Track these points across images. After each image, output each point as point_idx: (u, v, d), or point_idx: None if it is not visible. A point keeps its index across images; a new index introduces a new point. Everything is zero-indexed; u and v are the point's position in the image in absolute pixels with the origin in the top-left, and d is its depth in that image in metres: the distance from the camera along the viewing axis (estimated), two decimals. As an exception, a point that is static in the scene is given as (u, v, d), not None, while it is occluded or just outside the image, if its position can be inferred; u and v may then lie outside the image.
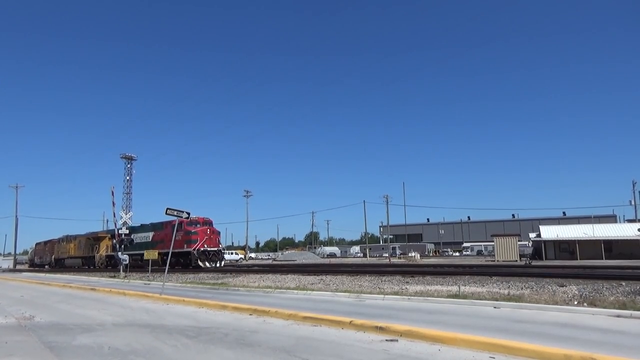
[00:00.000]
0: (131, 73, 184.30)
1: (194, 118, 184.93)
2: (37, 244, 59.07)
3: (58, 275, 33.02)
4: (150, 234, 35.49)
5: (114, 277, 26.42)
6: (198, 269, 29.25)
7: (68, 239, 48.52)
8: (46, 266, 54.27)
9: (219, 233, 33.69)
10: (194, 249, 30.55)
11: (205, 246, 31.05)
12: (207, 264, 30.54)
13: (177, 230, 31.09)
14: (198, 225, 32.30)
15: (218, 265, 31.27)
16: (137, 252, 34.40)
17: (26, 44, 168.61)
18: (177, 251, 31.23)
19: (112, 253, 37.14)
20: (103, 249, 40.62)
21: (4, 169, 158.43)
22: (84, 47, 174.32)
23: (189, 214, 16.04)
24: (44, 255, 55.03)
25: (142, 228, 37.39)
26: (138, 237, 36.71)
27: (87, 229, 50.59)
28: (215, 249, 32.01)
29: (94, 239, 42.85)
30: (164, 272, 27.69)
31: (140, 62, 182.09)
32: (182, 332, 7.75)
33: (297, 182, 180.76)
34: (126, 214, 35.21)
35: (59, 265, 49.25)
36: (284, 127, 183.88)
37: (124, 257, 29.64)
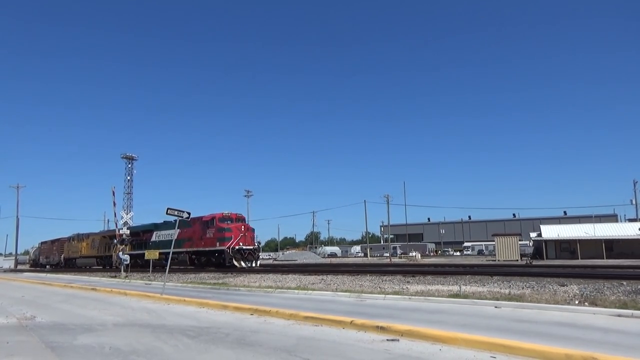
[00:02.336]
0: (131, 72, 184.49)
1: (193, 118, 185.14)
2: (42, 243, 57.57)
3: (59, 275, 33.06)
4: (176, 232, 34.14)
5: (115, 277, 26.47)
6: (229, 269, 27.19)
7: (79, 237, 46.48)
8: (47, 266, 53.95)
9: (253, 230, 31.36)
10: (228, 247, 28.31)
11: (241, 244, 28.86)
12: (243, 264, 28.43)
13: (208, 227, 30.02)
14: (231, 222, 30.23)
15: (254, 265, 29.26)
16: (160, 250, 32.51)
17: (25, 43, 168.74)
18: (209, 249, 29.76)
19: (133, 252, 35.41)
20: (121, 248, 39.04)
21: (4, 169, 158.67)
22: (83, 46, 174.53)
23: (189, 214, 16.06)
24: (51, 254, 53.25)
25: (167, 225, 34.97)
26: (162, 235, 34.81)
27: (88, 229, 49.40)
28: (251, 247, 29.80)
29: (111, 237, 40.55)
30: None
31: (141, 61, 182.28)
32: (183, 332, 7.76)
33: (297, 182, 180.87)
34: (127, 214, 34.86)
35: (69, 265, 47.20)
36: (284, 127, 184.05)
37: (125, 257, 29.66)
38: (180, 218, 15.89)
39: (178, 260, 32.13)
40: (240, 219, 31.21)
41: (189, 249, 31.11)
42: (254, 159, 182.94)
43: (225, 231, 29.18)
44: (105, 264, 41.34)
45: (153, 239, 35.76)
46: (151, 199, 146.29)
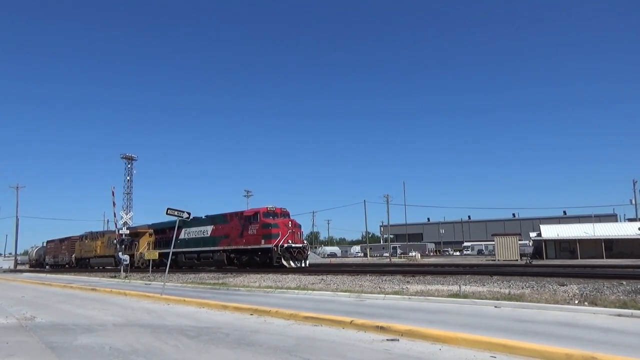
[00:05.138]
0: (131, 72, 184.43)
1: (193, 117, 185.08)
2: (48, 242, 55.48)
3: (59, 276, 33.06)
4: (209, 228, 30.73)
5: (115, 277, 26.47)
6: (276, 269, 24.48)
7: (93, 235, 44.10)
8: (47, 267, 53.77)
9: (300, 226, 28.27)
10: (275, 245, 25.37)
11: (289, 242, 25.97)
12: (292, 264, 25.67)
13: (250, 223, 27.31)
14: (276, 217, 27.23)
15: (303, 264, 26.42)
16: (191, 249, 31.27)
17: (25, 43, 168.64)
18: (252, 248, 27.01)
19: (153, 251, 32.14)
20: (143, 247, 36.11)
21: (4, 169, 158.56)
22: (83, 46, 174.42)
23: (189, 214, 16.06)
24: (60, 254, 50.62)
25: (196, 221, 31.89)
26: (192, 232, 32.18)
27: (87, 229, 48.51)
28: (300, 245, 26.86)
29: (130, 235, 37.34)
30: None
31: (141, 61, 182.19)
32: (183, 332, 7.75)
33: (297, 182, 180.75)
34: (127, 214, 34.56)
35: (82, 265, 44.79)
36: (284, 127, 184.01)
37: (125, 257, 29.60)
38: (180, 218, 15.88)
39: (213, 260, 29.94)
40: (285, 214, 28.11)
41: (226, 247, 28.57)
42: (254, 159, 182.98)
43: (271, 227, 26.14)
44: None
45: (181, 236, 32.94)
46: (151, 199, 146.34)
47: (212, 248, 29.70)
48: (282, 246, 25.48)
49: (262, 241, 26.22)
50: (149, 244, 35.96)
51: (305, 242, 28.42)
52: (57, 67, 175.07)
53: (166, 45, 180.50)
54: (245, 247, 27.48)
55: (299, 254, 26.43)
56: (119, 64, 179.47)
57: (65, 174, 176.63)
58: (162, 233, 35.30)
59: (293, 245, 26.13)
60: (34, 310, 11.72)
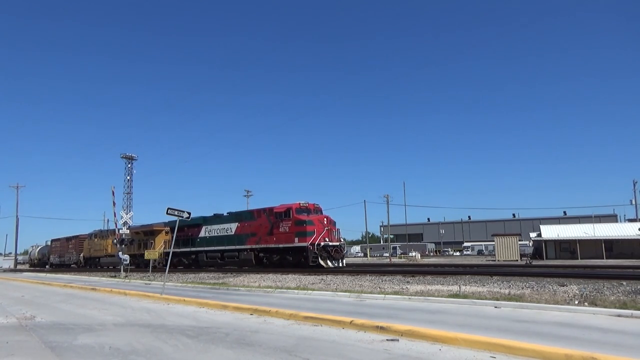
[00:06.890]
0: (132, 71, 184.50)
1: (193, 117, 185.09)
2: (53, 241, 54.62)
3: (59, 275, 33.08)
4: (233, 226, 29.17)
5: (115, 277, 26.50)
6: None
7: (103, 234, 43.01)
8: (47, 266, 53.73)
9: (335, 223, 26.66)
10: (311, 244, 23.91)
11: (326, 240, 24.48)
12: (329, 263, 24.33)
13: (282, 220, 25.99)
14: (309, 213, 25.83)
15: (340, 264, 25.16)
16: (213, 248, 30.08)
17: (25, 40, 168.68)
18: (284, 246, 25.51)
19: (176, 250, 30.70)
20: (159, 245, 34.64)
21: (4, 169, 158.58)
22: (83, 44, 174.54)
23: (189, 214, 16.06)
24: (67, 253, 49.37)
25: (218, 219, 30.92)
26: (213, 230, 30.71)
27: (87, 229, 48.24)
28: (337, 243, 25.39)
29: (145, 234, 36.43)
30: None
31: (140, 60, 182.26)
32: (182, 332, 7.76)
33: (297, 182, 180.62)
34: (127, 214, 34.42)
35: (91, 265, 43.78)
36: (284, 126, 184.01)
37: (125, 257, 29.58)
38: (180, 218, 15.87)
39: (239, 259, 28.38)
40: (319, 210, 26.71)
41: (254, 246, 27.12)
42: (254, 159, 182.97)
43: (306, 224, 24.64)
44: (139, 263, 36.05)
45: (202, 234, 31.64)
46: (151, 199, 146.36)
47: (237, 247, 28.31)
48: (318, 245, 24.13)
49: (296, 239, 24.80)
50: (165, 242, 34.74)
51: (342, 239, 26.90)
52: (58, 65, 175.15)
53: (166, 43, 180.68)
54: (277, 246, 25.93)
55: (336, 253, 25.04)
56: (119, 63, 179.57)
57: (65, 173, 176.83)
58: (181, 231, 33.09)
59: (330, 243, 24.72)
60: (34, 310, 11.73)
